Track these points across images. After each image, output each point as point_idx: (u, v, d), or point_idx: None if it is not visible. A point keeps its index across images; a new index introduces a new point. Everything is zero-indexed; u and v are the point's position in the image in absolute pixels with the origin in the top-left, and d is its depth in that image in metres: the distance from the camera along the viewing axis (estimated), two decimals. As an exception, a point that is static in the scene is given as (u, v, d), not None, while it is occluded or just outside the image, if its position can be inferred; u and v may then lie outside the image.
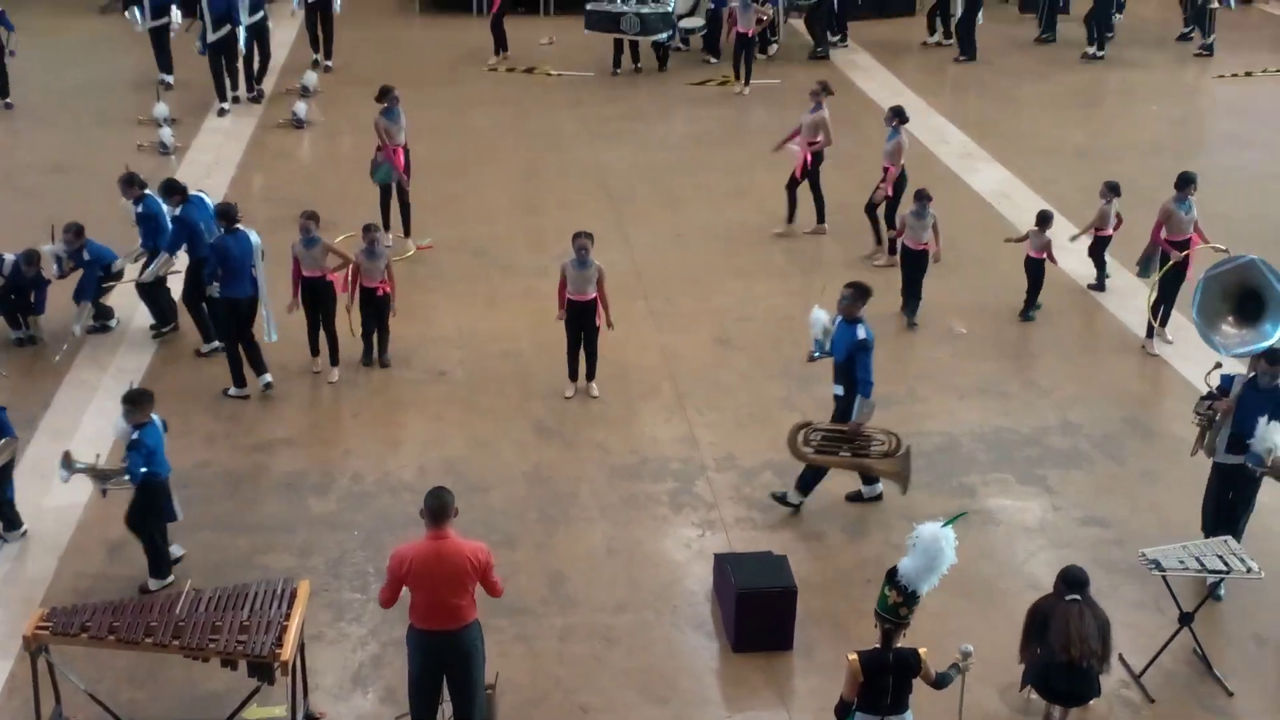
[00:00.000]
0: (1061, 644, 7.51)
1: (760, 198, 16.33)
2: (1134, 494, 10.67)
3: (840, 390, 10.20)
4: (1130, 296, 13.92)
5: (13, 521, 9.63)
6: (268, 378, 11.73)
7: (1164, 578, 8.65)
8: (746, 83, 20.26)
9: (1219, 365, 9.57)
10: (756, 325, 13.22)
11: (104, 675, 8.26)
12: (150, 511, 9.09)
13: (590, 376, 11.83)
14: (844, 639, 8.55)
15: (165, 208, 12.25)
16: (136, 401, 8.94)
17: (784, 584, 8.82)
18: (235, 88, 19.33)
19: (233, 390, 11.67)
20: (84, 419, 11.20)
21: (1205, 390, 9.44)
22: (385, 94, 14.60)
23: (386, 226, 14.27)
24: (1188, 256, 12.52)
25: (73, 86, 19.58)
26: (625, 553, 9.80)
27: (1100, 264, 14.00)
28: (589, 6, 20.45)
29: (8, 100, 18.93)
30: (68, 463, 8.88)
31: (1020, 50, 23.11)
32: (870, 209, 14.49)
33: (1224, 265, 9.41)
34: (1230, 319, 9.12)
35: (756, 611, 8.74)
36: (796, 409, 11.69)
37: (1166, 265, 12.58)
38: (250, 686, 7.62)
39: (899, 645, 7.07)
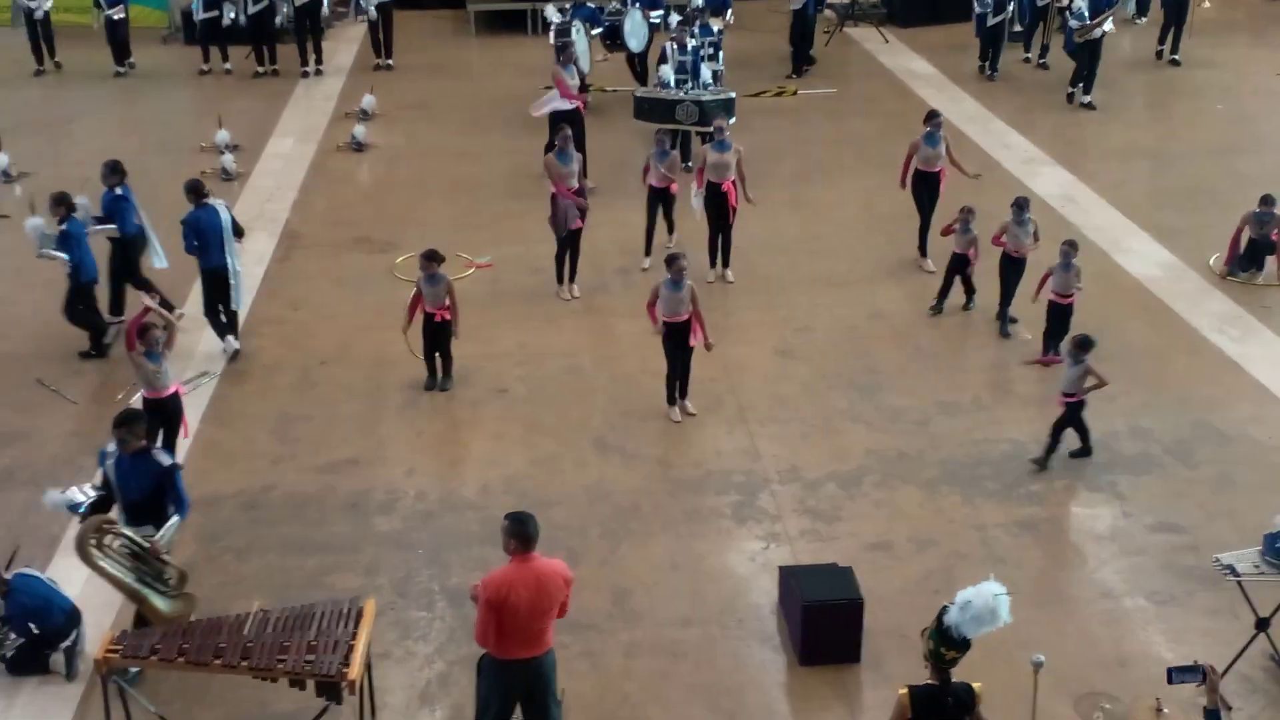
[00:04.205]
0: None
1: (819, 209, 16.25)
2: (1207, 499, 10.47)
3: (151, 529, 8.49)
4: (1199, 300, 13.70)
5: None
6: (235, 344, 12.62)
7: (1239, 583, 8.49)
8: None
9: None
10: (818, 336, 13.14)
11: (174, 697, 8.32)
12: None
13: (684, 394, 11.72)
14: (912, 650, 8.41)
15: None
16: None
17: (850, 596, 8.75)
18: (261, 63, 21.44)
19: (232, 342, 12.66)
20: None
21: None
22: (556, 133, 14.09)
23: (560, 279, 13.90)
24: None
25: (135, 115, 19.89)
26: (689, 567, 9.76)
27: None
28: (638, 94, 18.06)
29: (119, 68, 21.49)
30: None
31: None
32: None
33: None
34: None
35: (823, 624, 8.67)
36: (861, 419, 11.61)
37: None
38: (319, 706, 7.66)
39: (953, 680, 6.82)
